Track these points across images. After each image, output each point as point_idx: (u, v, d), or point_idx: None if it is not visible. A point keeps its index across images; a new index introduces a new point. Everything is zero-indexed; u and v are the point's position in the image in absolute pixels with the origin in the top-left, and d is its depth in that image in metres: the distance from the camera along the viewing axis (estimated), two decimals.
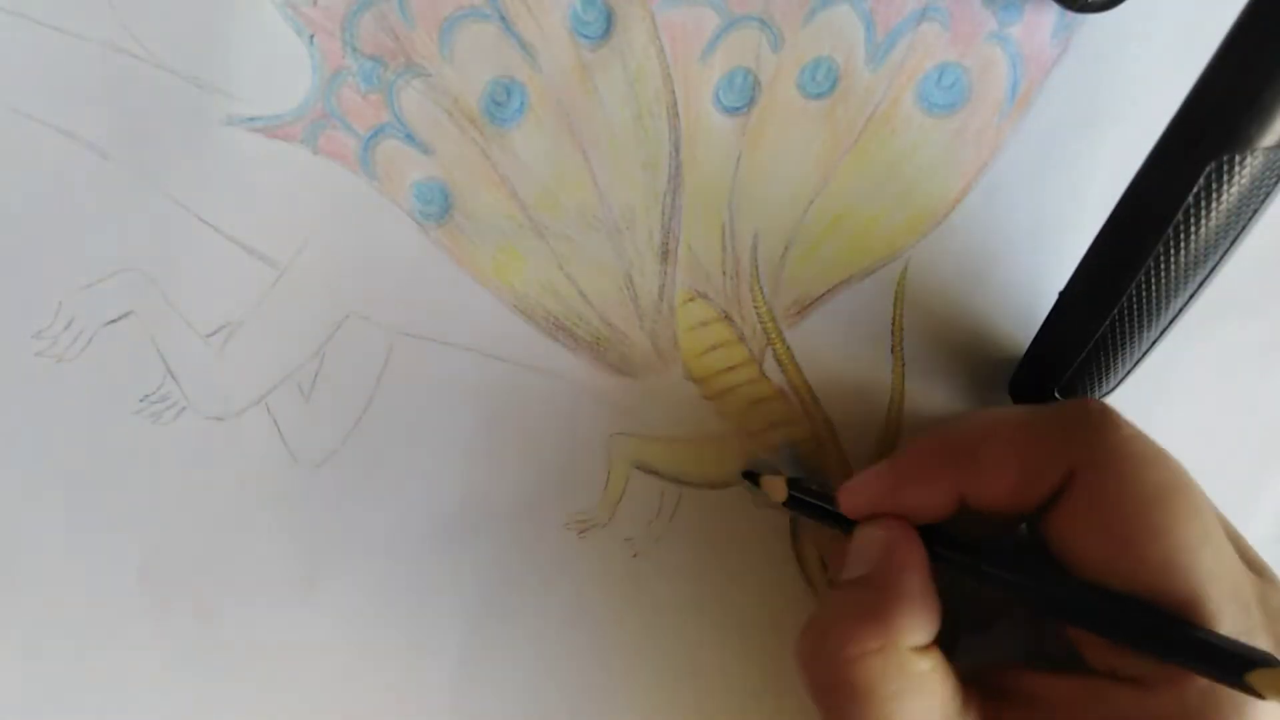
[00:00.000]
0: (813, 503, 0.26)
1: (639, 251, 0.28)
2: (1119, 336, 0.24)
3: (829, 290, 0.29)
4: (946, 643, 0.23)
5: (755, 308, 0.28)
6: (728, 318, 0.28)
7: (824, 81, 0.27)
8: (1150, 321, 0.24)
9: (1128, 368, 0.26)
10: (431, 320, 0.28)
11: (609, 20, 0.26)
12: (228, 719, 0.29)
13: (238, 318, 0.27)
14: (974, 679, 0.23)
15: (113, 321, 0.27)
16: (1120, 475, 0.21)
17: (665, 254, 0.28)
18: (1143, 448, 0.22)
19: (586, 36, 0.26)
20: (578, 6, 0.26)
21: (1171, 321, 0.24)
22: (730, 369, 0.29)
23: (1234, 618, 0.20)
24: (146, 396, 0.27)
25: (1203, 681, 0.20)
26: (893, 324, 0.29)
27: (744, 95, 0.27)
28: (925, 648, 0.22)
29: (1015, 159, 0.28)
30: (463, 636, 0.29)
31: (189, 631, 0.28)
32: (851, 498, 0.24)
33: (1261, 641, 0.20)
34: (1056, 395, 0.26)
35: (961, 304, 0.29)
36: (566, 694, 0.29)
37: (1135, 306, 0.23)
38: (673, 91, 0.27)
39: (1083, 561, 0.21)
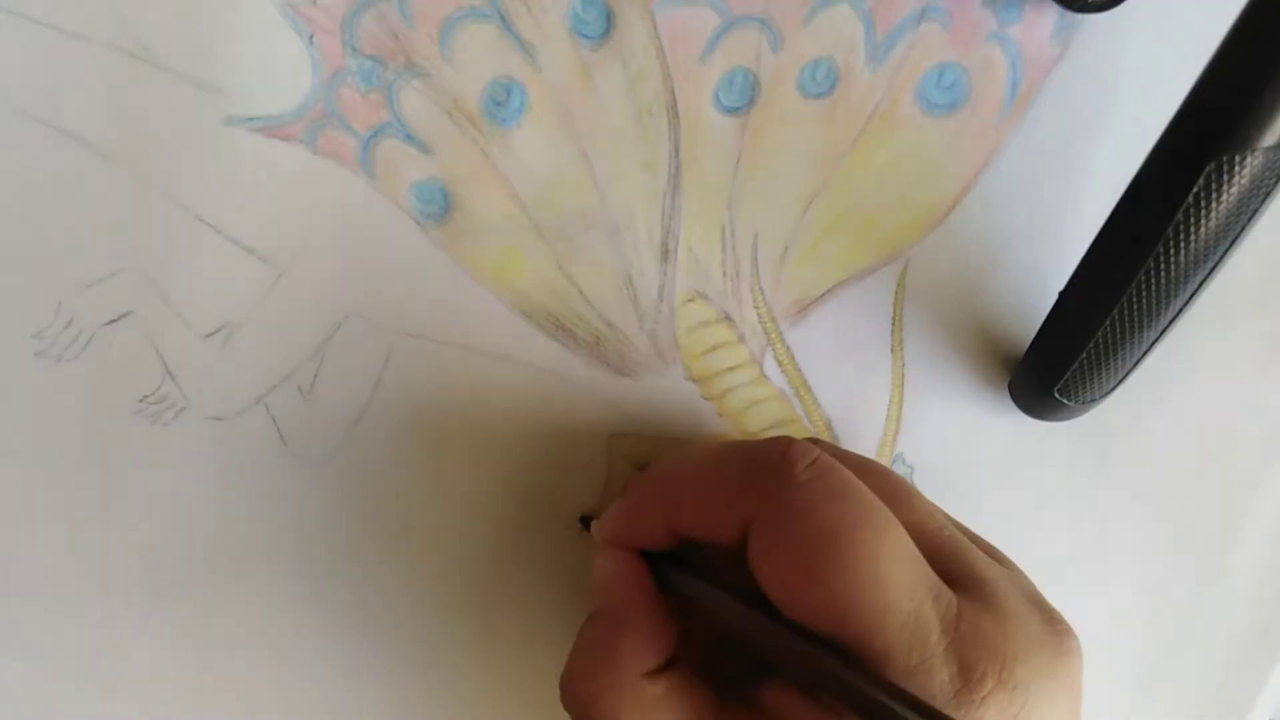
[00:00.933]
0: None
1: (639, 251, 0.28)
2: (1119, 336, 0.24)
3: (829, 290, 0.29)
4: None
5: (755, 308, 0.28)
6: (728, 318, 0.28)
7: (824, 81, 0.27)
8: (1150, 321, 0.24)
9: (1128, 367, 0.25)
10: (431, 320, 0.28)
11: (609, 20, 0.26)
12: (227, 718, 0.29)
13: (238, 318, 0.27)
14: (742, 690, 0.23)
15: (113, 321, 0.27)
16: (785, 525, 0.21)
17: (665, 254, 0.28)
18: (812, 493, 0.21)
19: (586, 36, 0.26)
20: (578, 6, 0.26)
21: (1171, 322, 0.24)
22: (730, 369, 0.29)
23: (905, 653, 0.20)
24: (146, 396, 0.27)
25: None
26: (893, 324, 0.29)
27: (744, 95, 0.27)
28: (658, 671, 0.23)
29: (1015, 159, 0.28)
30: (463, 636, 0.29)
31: (189, 631, 0.28)
32: (599, 530, 0.25)
33: (939, 670, 0.20)
34: (1056, 395, 0.26)
35: (961, 304, 0.29)
36: None
37: (1135, 306, 0.23)
38: (673, 91, 0.27)
39: (773, 600, 0.22)
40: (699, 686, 0.23)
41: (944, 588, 0.21)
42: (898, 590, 0.20)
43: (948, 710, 0.19)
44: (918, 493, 0.24)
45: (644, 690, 0.22)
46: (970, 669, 0.20)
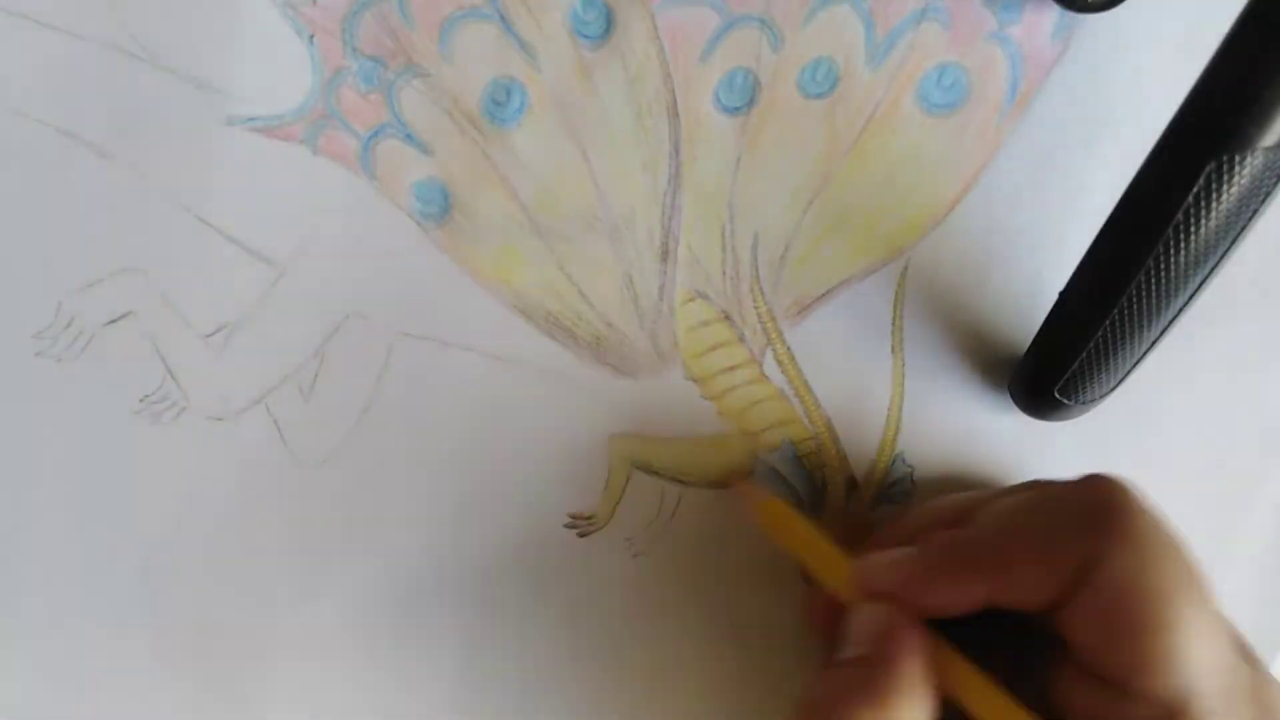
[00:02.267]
0: (804, 546, 0.26)
1: (639, 251, 0.28)
2: (1119, 336, 0.24)
3: (829, 290, 0.29)
4: None
5: (755, 308, 0.28)
6: (728, 318, 0.28)
7: (824, 81, 0.27)
8: (1150, 321, 0.24)
9: (1128, 367, 0.25)
10: (431, 320, 0.28)
11: (609, 20, 0.26)
12: (227, 718, 0.29)
13: (238, 318, 0.27)
14: None
15: (113, 321, 0.27)
16: (1139, 566, 0.21)
17: (665, 254, 0.28)
18: (1161, 536, 0.21)
19: (586, 36, 0.26)
20: (578, 6, 0.26)
21: (1172, 321, 0.24)
22: (730, 369, 0.29)
23: (1225, 714, 0.20)
24: (146, 396, 0.27)
25: None
26: (893, 324, 0.29)
27: (744, 95, 0.27)
28: None
29: (1015, 159, 0.28)
30: (463, 636, 0.29)
31: (189, 631, 0.28)
32: (869, 580, 0.24)
33: None
34: (1056, 395, 0.26)
35: (961, 304, 0.29)
36: (566, 694, 0.29)
37: (1135, 306, 0.23)
38: (673, 91, 0.27)
39: (1086, 648, 0.21)
40: None
41: (1240, 654, 0.21)
42: (1223, 647, 0.21)
43: None
44: None
45: None
46: None
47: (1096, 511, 0.22)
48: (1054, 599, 0.22)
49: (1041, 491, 0.24)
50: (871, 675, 0.22)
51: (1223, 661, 0.21)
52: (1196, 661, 0.20)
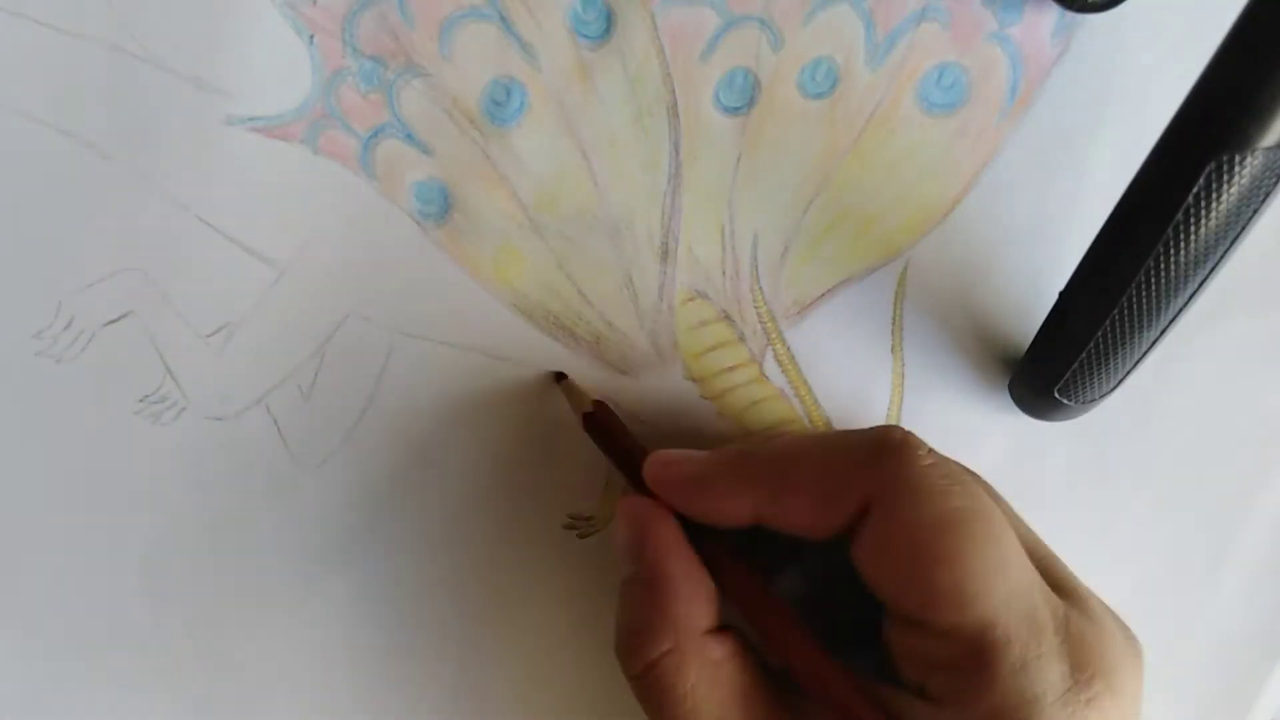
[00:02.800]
0: (615, 443, 0.26)
1: (639, 251, 0.28)
2: (1119, 336, 0.24)
3: (829, 290, 0.29)
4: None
5: (755, 308, 0.28)
6: (728, 318, 0.28)
7: (824, 81, 0.27)
8: (1150, 321, 0.24)
9: (1128, 367, 0.25)
10: (431, 320, 0.28)
11: (609, 20, 0.26)
12: (228, 717, 0.29)
13: (238, 318, 0.27)
14: (785, 671, 0.23)
15: (113, 321, 0.27)
16: (914, 504, 0.21)
17: (665, 254, 0.28)
18: (937, 476, 0.21)
19: (586, 36, 0.26)
20: (578, 6, 0.26)
21: (1171, 321, 0.24)
22: (730, 369, 0.29)
23: (1024, 644, 0.20)
24: (146, 396, 0.27)
25: (989, 704, 0.20)
26: (893, 324, 0.29)
27: (744, 95, 0.27)
28: (716, 632, 0.23)
29: (1015, 159, 0.28)
30: (462, 637, 0.29)
31: (189, 631, 0.28)
32: (661, 470, 0.24)
33: (1053, 665, 0.20)
34: (1056, 395, 0.26)
35: (961, 304, 0.29)
36: (566, 694, 0.29)
37: (1135, 306, 0.23)
38: (673, 91, 0.27)
39: (881, 588, 0.22)
40: (754, 655, 0.23)
41: (1049, 589, 0.21)
42: (1019, 580, 0.21)
43: (1054, 708, 0.20)
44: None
45: (708, 650, 0.22)
46: (1080, 669, 0.20)
47: (877, 452, 0.22)
48: (827, 532, 0.22)
49: (836, 432, 0.24)
50: (648, 591, 0.23)
51: (1022, 591, 0.21)
52: (988, 592, 0.20)
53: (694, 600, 0.23)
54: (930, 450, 0.22)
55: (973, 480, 0.22)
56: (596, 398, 0.27)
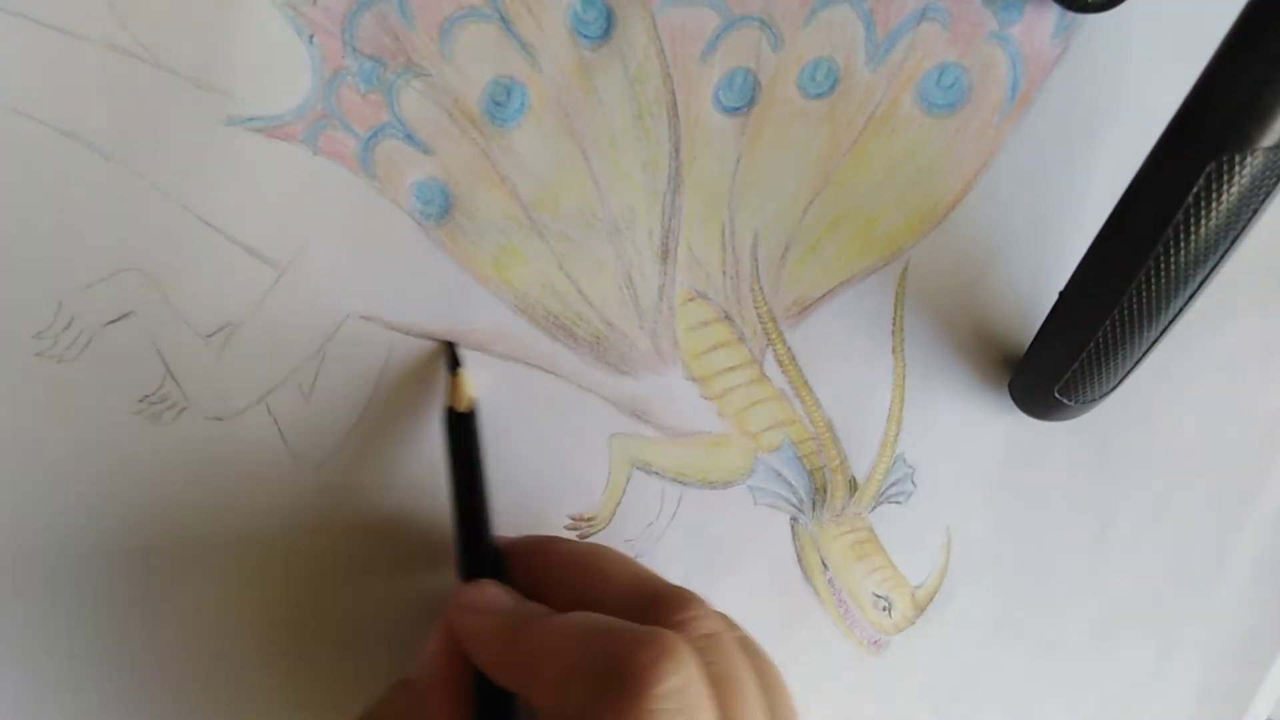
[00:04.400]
0: (462, 454, 0.26)
1: (639, 251, 0.28)
2: (1119, 336, 0.24)
3: (829, 290, 0.29)
4: None
5: (755, 308, 0.28)
6: (728, 318, 0.28)
7: (824, 81, 0.27)
8: (1151, 321, 0.24)
9: (1128, 367, 0.26)
10: (431, 320, 0.28)
11: (609, 20, 0.26)
12: (228, 716, 0.29)
13: (238, 318, 0.27)
14: None
15: (113, 321, 0.27)
16: None
17: (665, 254, 0.28)
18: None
19: (586, 36, 0.26)
20: (578, 6, 0.26)
21: (1172, 321, 0.24)
22: (730, 369, 0.29)
23: None
24: (146, 396, 0.27)
25: None
26: (893, 324, 0.29)
27: (744, 95, 0.27)
28: None
29: (1015, 159, 0.28)
30: None
31: (189, 631, 0.28)
32: (457, 615, 0.24)
33: None
34: (1056, 395, 0.26)
35: (961, 304, 0.29)
36: None
37: (1135, 306, 0.23)
38: (673, 91, 0.27)
39: None
40: None
41: None
42: None
43: None
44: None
45: None
46: None
47: (622, 672, 0.20)
48: None
49: (602, 630, 0.21)
50: (416, 696, 0.24)
51: None
52: None
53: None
54: (682, 689, 0.19)
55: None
56: (472, 404, 0.27)
